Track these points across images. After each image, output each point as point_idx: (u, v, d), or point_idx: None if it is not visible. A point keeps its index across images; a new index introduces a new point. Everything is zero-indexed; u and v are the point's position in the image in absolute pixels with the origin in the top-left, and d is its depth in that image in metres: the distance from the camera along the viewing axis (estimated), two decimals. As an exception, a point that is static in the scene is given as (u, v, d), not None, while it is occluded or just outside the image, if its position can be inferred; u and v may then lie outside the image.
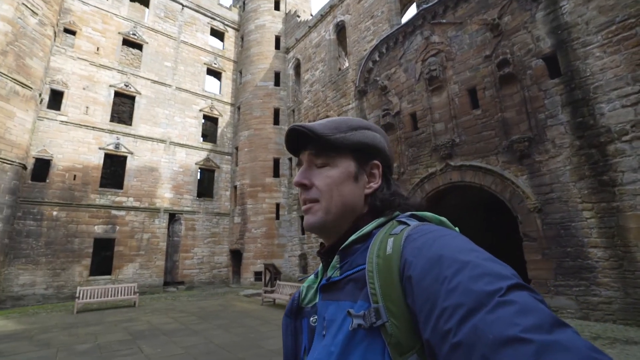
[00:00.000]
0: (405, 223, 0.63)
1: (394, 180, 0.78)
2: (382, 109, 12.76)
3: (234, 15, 22.70)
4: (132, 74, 17.49)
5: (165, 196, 17.28)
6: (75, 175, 14.79)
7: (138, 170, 16.67)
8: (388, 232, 0.62)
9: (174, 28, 19.77)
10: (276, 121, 19.44)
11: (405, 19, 14.38)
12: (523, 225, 8.53)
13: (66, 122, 15.02)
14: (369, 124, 0.78)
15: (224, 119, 20.78)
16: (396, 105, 12.29)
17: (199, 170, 19.37)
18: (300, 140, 0.75)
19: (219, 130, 20.52)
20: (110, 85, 16.62)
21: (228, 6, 22.87)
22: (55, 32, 14.89)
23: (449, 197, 11.69)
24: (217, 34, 22.24)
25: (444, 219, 0.66)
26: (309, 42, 18.43)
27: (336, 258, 0.68)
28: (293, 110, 18.96)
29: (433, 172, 10.75)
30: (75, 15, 16.35)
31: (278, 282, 11.93)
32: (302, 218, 17.53)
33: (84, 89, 15.81)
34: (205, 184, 20.06)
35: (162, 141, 17.79)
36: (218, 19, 21.89)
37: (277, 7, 21.26)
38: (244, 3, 22.50)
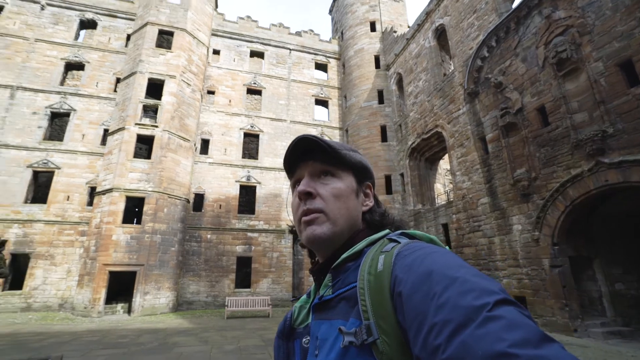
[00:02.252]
0: (396, 241, 0.64)
1: (381, 203, 0.83)
2: (499, 109, 11.27)
3: (334, 47, 24.42)
4: (255, 116, 20.72)
5: (288, 218, 19.26)
6: (220, 205, 18.18)
7: (265, 197, 19.24)
8: (379, 250, 0.63)
9: (284, 70, 22.64)
10: (384, 138, 19.46)
11: (515, 3, 12.57)
12: None
13: (212, 162, 18.81)
14: (356, 149, 0.84)
15: (334, 142, 22.05)
16: (517, 102, 10.67)
17: (315, 193, 20.89)
18: (306, 152, 0.76)
19: (330, 154, 21.85)
20: (240, 128, 20.09)
21: (328, 39, 24.78)
22: (201, 95, 19.18)
23: (607, 204, 9.20)
24: (321, 66, 24.26)
25: (434, 237, 0.66)
26: (409, 54, 18.07)
27: (328, 277, 0.69)
28: (400, 125, 18.65)
29: (578, 174, 8.71)
30: (213, 79, 20.68)
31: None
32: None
33: (222, 134, 19.60)
34: (321, 205, 21.50)
35: (283, 170, 20.04)
36: (320, 53, 23.97)
37: (373, 29, 21.82)
38: (342, 33, 24.02)
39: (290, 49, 23.31)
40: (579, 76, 9.00)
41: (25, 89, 17.35)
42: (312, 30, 24.55)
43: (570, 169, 8.90)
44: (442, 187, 18.07)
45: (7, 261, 14.08)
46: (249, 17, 23.14)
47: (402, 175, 18.03)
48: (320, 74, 24.46)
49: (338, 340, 0.57)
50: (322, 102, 23.44)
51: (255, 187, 19.37)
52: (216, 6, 22.53)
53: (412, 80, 17.58)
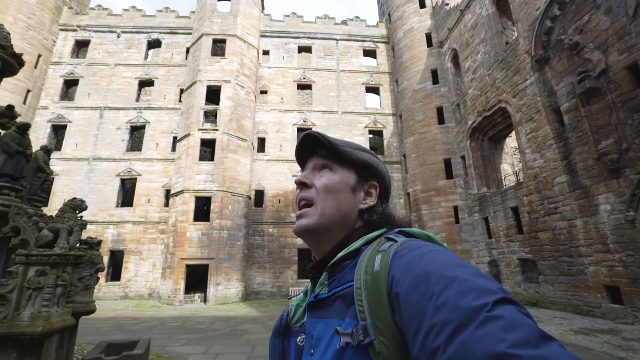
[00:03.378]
0: (393, 239, 0.63)
1: (387, 205, 0.81)
2: (576, 74, 9.79)
3: (382, 31, 23.54)
4: (307, 110, 21.05)
5: (344, 210, 19.33)
6: (279, 200, 18.97)
7: (321, 190, 19.53)
8: (376, 249, 0.62)
9: (332, 62, 22.53)
10: (441, 120, 18.32)
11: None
12: None
13: (269, 159, 19.68)
14: (374, 153, 0.85)
15: (388, 130, 21.44)
16: (599, 62, 9.14)
17: (371, 183, 20.64)
18: (312, 148, 0.80)
19: (385, 142, 21.29)
20: (294, 124, 20.61)
21: (375, 24, 23.95)
22: (255, 96, 20.09)
23: None
24: (369, 53, 23.59)
25: (431, 234, 0.66)
26: (463, 26, 16.60)
27: (324, 275, 0.69)
28: (458, 105, 17.35)
29: (688, 140, 7.20)
30: (265, 79, 21.49)
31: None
32: (485, 220, 15.53)
33: (277, 132, 20.34)
34: (379, 194, 21.22)
35: (336, 162, 20.15)
36: (368, 39, 23.31)
37: (422, 5, 20.46)
38: (389, 15, 23.00)
39: (337, 39, 23.10)
40: (685, 20, 7.36)
41: (110, 108, 20.05)
42: (357, 17, 23.97)
43: (676, 136, 7.38)
44: (509, 167, 16.42)
45: (106, 257, 16.58)
46: (294, 13, 23.46)
47: (463, 157, 16.80)
48: (369, 61, 23.83)
49: (334, 340, 0.57)
50: (373, 90, 22.87)
51: (310, 180, 19.76)
52: (262, 8, 23.28)
53: (469, 54, 16.15)
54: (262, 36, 22.32)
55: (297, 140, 0.81)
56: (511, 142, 16.99)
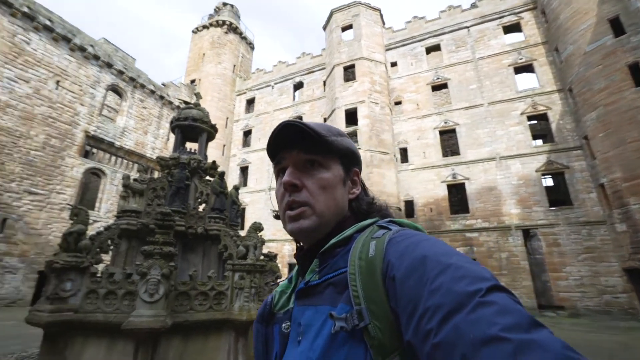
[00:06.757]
0: (386, 228, 0.64)
1: (368, 190, 0.81)
2: None
3: (524, -3, 20.04)
4: (446, 111, 19.77)
5: (511, 212, 16.73)
6: (430, 208, 18.22)
7: (478, 193, 17.63)
8: (370, 236, 0.63)
9: (467, 52, 20.55)
10: (638, 81, 13.77)
11: None
12: None
13: (414, 168, 19.35)
14: (344, 132, 0.80)
15: (555, 110, 17.62)
16: None
17: (544, 177, 17.22)
18: (288, 140, 0.71)
19: (554, 126, 17.51)
20: (434, 128, 19.72)
21: (515, -8, 20.61)
22: (390, 109, 20.48)
23: None
24: (511, 28, 20.29)
25: (420, 226, 0.66)
26: (656, -52, 12.27)
27: (315, 262, 0.68)
28: (665, 53, 12.68)
29: None
30: (397, 90, 21.61)
31: None
32: None
33: (417, 139, 19.90)
34: (562, 189, 17.32)
35: (491, 159, 17.90)
36: (506, 13, 20.17)
37: (580, -53, 16.37)
38: (532, -23, 19.41)
39: (468, 27, 21.05)
40: None
41: (273, 147, 24.53)
42: (489, -6, 21.30)
43: None
44: None
45: (286, 269, 19.79)
46: (415, 17, 23.00)
47: (692, 123, 11.93)
48: (512, 38, 20.53)
49: (325, 326, 0.57)
50: (523, 69, 19.46)
51: (463, 183, 18.19)
52: (383, 24, 23.87)
53: (675, -20, 11.71)
54: (387, 50, 22.76)
55: (272, 132, 0.71)
56: None
